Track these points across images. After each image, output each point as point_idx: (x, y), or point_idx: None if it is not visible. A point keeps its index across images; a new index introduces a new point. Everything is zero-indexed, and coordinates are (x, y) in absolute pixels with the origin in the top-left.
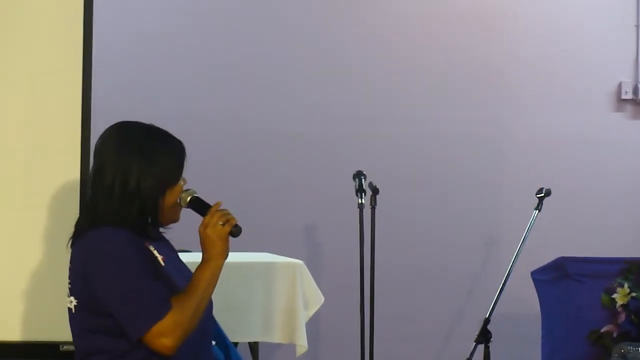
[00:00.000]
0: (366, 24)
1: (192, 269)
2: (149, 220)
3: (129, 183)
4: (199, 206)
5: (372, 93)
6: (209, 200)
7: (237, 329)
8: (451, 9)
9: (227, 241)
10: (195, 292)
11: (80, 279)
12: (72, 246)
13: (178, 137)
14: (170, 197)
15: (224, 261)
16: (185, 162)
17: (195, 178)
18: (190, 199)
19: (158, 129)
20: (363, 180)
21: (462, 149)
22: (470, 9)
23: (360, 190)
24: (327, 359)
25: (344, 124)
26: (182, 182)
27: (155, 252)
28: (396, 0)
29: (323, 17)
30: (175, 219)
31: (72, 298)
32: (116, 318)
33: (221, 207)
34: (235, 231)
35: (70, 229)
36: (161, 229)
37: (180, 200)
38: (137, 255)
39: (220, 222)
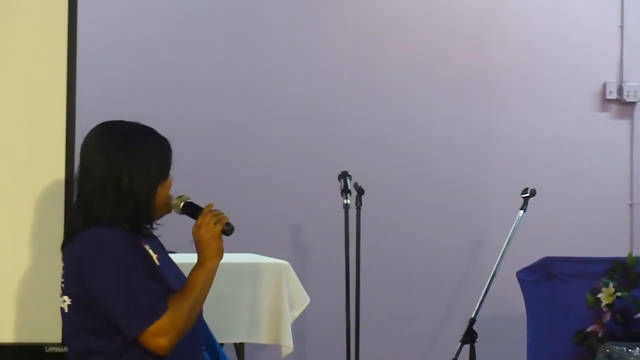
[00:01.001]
0: (352, 26)
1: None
2: (143, 217)
3: (122, 182)
4: (192, 210)
5: (358, 94)
6: (200, 203)
7: (223, 329)
8: (437, 11)
9: (221, 240)
10: (192, 293)
11: (76, 279)
12: (65, 247)
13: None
14: (161, 193)
15: (219, 261)
16: (172, 158)
17: (182, 179)
18: (184, 205)
19: (143, 126)
20: (348, 180)
21: (447, 149)
22: (456, 12)
23: (345, 191)
24: (313, 359)
25: (330, 125)
26: (171, 178)
27: (150, 250)
28: (383, 4)
29: (308, 18)
30: (164, 214)
31: (65, 297)
32: (113, 318)
33: (213, 208)
34: (228, 229)
35: (55, 232)
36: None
37: (173, 206)
38: (133, 254)
39: (213, 222)
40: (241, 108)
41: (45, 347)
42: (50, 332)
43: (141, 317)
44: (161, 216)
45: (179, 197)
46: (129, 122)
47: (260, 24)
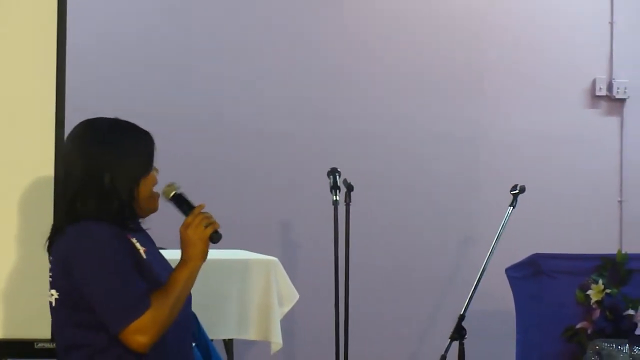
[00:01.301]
0: (343, 22)
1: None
2: (128, 213)
3: (103, 179)
4: (181, 203)
5: (348, 91)
6: (191, 199)
7: (212, 325)
8: (430, 10)
9: (207, 244)
10: (173, 291)
11: (63, 273)
12: (52, 241)
13: (156, 137)
14: (144, 188)
15: (202, 263)
16: (154, 152)
17: (171, 175)
18: (174, 194)
19: (124, 122)
20: (338, 177)
21: (437, 146)
22: (448, 11)
23: (334, 188)
24: (302, 356)
25: (322, 122)
26: (155, 172)
27: (137, 244)
28: (380, 3)
29: (300, 15)
30: (154, 209)
31: (53, 291)
32: (97, 313)
33: (204, 210)
34: (216, 237)
35: (44, 228)
36: (141, 221)
37: (162, 193)
38: (118, 249)
39: (203, 224)
40: (233, 105)
41: (35, 343)
42: (39, 328)
43: (123, 314)
44: (148, 211)
45: (169, 185)
46: (110, 119)
47: (255, 21)
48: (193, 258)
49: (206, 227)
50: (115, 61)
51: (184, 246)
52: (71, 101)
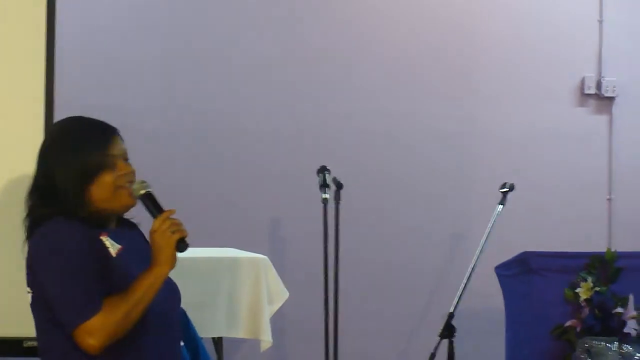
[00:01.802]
0: (334, 19)
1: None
2: (87, 211)
3: (57, 178)
4: (150, 204)
5: (339, 88)
6: (178, 200)
7: (201, 324)
8: (422, 8)
9: (174, 250)
10: (131, 297)
11: (31, 271)
12: (27, 239)
13: (146, 133)
14: (101, 187)
15: (169, 269)
16: (115, 146)
17: (161, 172)
18: (143, 193)
19: (86, 118)
20: (327, 175)
21: (428, 143)
22: (441, 9)
23: (324, 186)
24: (292, 353)
25: (311, 119)
26: (119, 167)
27: (108, 242)
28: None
29: (289, 11)
30: (125, 204)
31: (28, 289)
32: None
33: (174, 217)
34: (182, 246)
35: None
36: (133, 218)
37: (132, 190)
38: (76, 250)
39: (170, 230)
40: (222, 102)
41: (24, 342)
42: (28, 326)
43: (73, 315)
44: (121, 208)
45: (139, 183)
46: (72, 117)
47: (244, 18)
48: (160, 264)
49: (173, 233)
50: (103, 59)
51: (152, 251)
52: (61, 99)
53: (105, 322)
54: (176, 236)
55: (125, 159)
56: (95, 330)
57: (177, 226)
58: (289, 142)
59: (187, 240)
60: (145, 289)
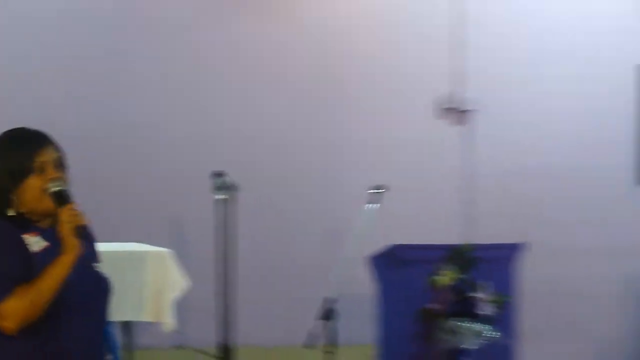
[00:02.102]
0: (223, 28)
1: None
2: (26, 211)
3: None
4: (58, 200)
5: (233, 95)
6: (94, 202)
7: (111, 309)
8: (297, 17)
9: (74, 238)
10: (39, 284)
11: None
12: None
13: (57, 138)
14: (30, 187)
15: (74, 255)
16: (45, 152)
17: (73, 175)
18: (52, 191)
19: (21, 129)
20: (222, 178)
21: (304, 148)
22: (317, 20)
23: (219, 187)
24: (193, 334)
25: (208, 124)
26: (48, 172)
27: (32, 239)
28: (246, 7)
29: (183, 16)
30: (46, 210)
31: None
32: None
33: (74, 208)
34: (78, 232)
35: None
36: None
37: (46, 189)
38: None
39: (69, 221)
40: (127, 106)
41: None
42: None
43: None
44: (41, 213)
45: (55, 181)
46: (6, 130)
47: (136, 23)
48: (65, 252)
49: (71, 222)
50: (30, 67)
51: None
52: None
53: (15, 306)
54: (71, 225)
55: (58, 166)
56: (7, 314)
57: (74, 217)
58: (190, 145)
59: (98, 236)
60: (51, 277)
